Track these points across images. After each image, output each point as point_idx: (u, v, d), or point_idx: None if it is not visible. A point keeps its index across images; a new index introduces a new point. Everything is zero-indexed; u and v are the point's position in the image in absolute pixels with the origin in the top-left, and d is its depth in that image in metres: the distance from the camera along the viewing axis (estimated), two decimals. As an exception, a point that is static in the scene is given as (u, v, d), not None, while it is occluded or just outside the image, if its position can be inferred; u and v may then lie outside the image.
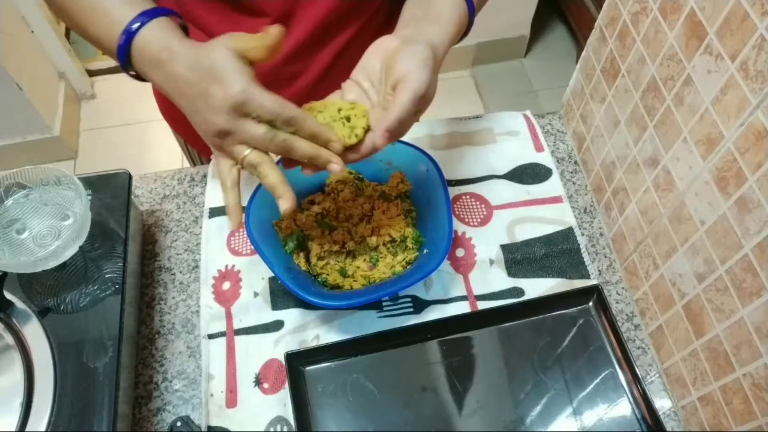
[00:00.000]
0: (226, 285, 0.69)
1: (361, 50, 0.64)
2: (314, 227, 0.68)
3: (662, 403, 0.64)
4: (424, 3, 0.61)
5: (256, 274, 0.70)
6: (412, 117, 0.54)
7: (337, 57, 0.72)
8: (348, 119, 0.54)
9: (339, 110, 0.55)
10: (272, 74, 0.74)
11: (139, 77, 0.57)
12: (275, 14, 0.67)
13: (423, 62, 0.53)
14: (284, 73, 0.73)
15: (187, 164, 1.01)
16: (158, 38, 0.53)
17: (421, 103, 0.54)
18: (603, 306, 0.66)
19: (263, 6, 0.66)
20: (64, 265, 0.62)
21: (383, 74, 0.56)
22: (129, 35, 0.53)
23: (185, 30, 0.62)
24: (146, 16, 0.53)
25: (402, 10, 0.63)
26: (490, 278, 0.70)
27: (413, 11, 0.61)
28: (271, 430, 0.61)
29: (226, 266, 0.70)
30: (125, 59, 0.55)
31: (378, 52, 0.57)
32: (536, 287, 0.70)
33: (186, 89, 0.51)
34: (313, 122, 0.52)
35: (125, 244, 0.64)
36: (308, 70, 0.74)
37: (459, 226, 0.74)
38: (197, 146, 0.89)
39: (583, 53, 0.76)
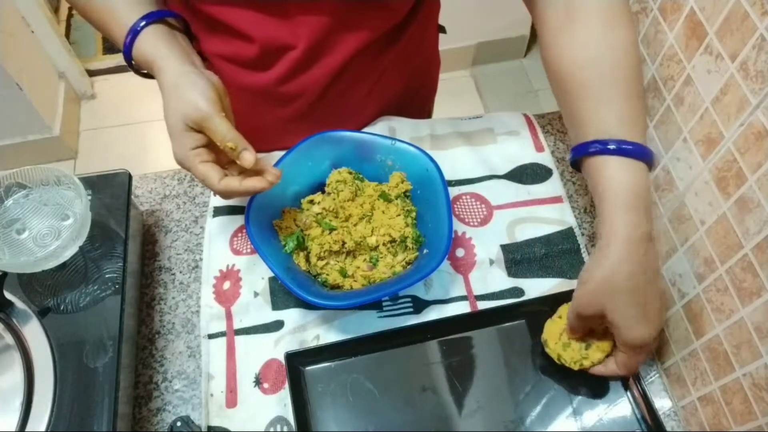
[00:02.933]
0: (227, 285, 0.69)
1: (363, 69, 0.62)
2: (314, 227, 0.68)
3: (662, 403, 0.64)
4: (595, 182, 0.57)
5: (256, 274, 0.70)
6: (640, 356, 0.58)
7: (336, 75, 0.71)
8: (587, 346, 0.60)
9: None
10: (267, 94, 0.73)
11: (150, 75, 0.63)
12: (262, 41, 0.66)
13: (631, 310, 0.54)
14: (279, 94, 0.73)
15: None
16: (149, 48, 0.59)
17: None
18: (603, 306, 0.66)
19: (251, 32, 0.65)
20: (64, 265, 0.62)
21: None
22: (133, 35, 0.59)
23: (187, 29, 0.64)
24: (146, 19, 0.59)
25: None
26: (490, 278, 0.70)
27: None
28: (271, 430, 0.61)
29: (227, 266, 0.70)
30: (131, 61, 0.62)
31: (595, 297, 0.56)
32: (536, 287, 0.69)
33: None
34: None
35: (125, 244, 0.64)
36: (306, 91, 0.73)
37: (459, 226, 0.74)
38: None
39: (583, 53, 0.76)
